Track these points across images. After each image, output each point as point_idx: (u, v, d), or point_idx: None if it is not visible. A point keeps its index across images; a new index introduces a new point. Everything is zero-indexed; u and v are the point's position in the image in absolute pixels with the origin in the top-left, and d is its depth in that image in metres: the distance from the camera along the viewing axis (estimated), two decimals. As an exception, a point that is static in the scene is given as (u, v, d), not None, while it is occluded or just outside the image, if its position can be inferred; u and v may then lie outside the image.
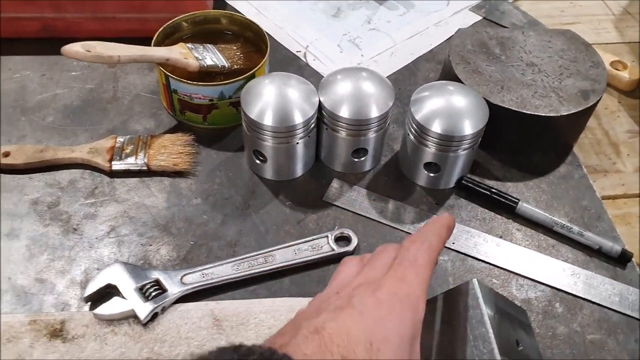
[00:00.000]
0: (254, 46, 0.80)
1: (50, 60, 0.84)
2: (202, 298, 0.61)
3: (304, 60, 0.87)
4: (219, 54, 0.77)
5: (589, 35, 0.92)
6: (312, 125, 0.68)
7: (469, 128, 0.65)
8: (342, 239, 0.66)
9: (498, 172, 0.74)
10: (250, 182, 0.72)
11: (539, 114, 0.70)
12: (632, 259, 0.67)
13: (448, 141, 0.66)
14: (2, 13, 0.82)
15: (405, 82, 0.85)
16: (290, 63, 0.86)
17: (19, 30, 0.84)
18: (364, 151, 0.71)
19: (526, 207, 0.69)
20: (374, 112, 0.66)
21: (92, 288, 0.60)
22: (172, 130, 0.76)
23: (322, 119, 0.69)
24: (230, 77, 0.72)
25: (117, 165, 0.71)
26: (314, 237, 0.66)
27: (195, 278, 0.62)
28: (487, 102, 0.70)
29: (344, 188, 0.71)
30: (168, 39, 0.78)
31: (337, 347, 0.41)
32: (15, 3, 0.81)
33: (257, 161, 0.71)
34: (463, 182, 0.71)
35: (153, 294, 0.60)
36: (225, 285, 0.62)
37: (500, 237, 0.68)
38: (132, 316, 0.59)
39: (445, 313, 0.54)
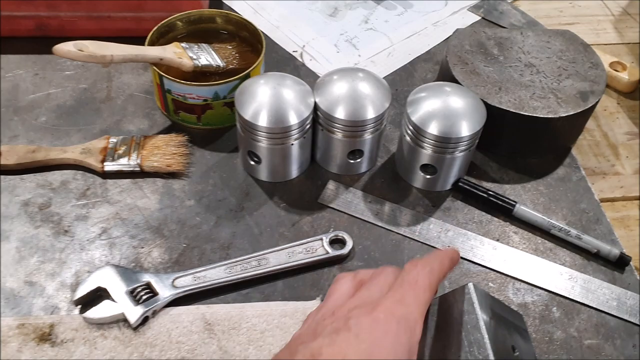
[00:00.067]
0: (250, 46, 0.79)
1: (44, 59, 0.83)
2: (193, 301, 0.60)
3: (301, 60, 0.86)
4: (214, 54, 0.76)
5: (588, 36, 0.92)
6: (308, 126, 0.67)
7: (466, 130, 0.65)
8: (337, 242, 0.66)
9: (495, 174, 0.73)
10: (245, 183, 0.71)
11: (537, 115, 0.69)
12: (631, 262, 0.66)
13: (445, 143, 0.65)
14: (-3, 12, 0.81)
15: (402, 83, 0.84)
16: (287, 63, 0.85)
17: (14, 29, 0.83)
18: (360, 153, 0.70)
19: (523, 209, 0.68)
20: (370, 113, 0.66)
21: (82, 291, 0.59)
22: (166, 131, 0.75)
23: (318, 120, 0.68)
24: (225, 77, 0.71)
25: (109, 166, 0.70)
26: (309, 239, 0.65)
27: (187, 281, 0.61)
28: (485, 103, 0.69)
29: (340, 190, 0.70)
30: (163, 38, 0.77)
31: None
32: (10, 2, 0.81)
33: (252, 162, 0.70)
34: (460, 184, 0.70)
35: (144, 297, 0.59)
36: (218, 289, 0.61)
37: (497, 240, 0.67)
38: (122, 320, 0.58)
39: (440, 318, 0.53)
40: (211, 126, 0.75)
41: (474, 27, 0.90)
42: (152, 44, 0.75)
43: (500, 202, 0.69)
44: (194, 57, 0.74)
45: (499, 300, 0.56)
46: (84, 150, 0.71)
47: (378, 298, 0.46)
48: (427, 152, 0.67)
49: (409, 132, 0.67)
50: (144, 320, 0.58)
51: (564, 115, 0.70)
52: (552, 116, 0.70)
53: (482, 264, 0.65)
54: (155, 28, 0.75)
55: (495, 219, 0.69)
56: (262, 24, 0.90)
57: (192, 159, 0.73)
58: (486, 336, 0.49)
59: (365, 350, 0.42)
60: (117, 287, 0.59)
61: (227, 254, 0.64)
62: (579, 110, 0.70)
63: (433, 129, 0.64)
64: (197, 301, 0.61)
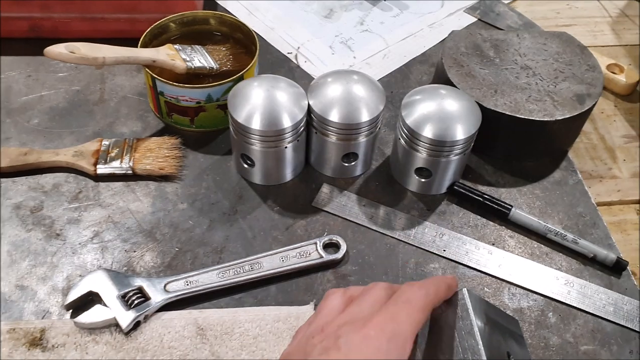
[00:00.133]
0: (244, 47, 0.79)
1: (37, 60, 0.82)
2: (186, 306, 0.60)
3: (295, 62, 0.85)
4: (208, 56, 0.75)
5: (585, 38, 0.91)
6: (301, 129, 0.67)
7: (460, 133, 0.64)
8: (331, 246, 0.65)
9: (491, 178, 0.73)
10: (238, 186, 0.70)
11: (533, 118, 0.69)
12: (628, 267, 0.65)
13: (439, 146, 0.65)
14: (-11, 13, 0.81)
15: (397, 85, 0.83)
16: (281, 65, 0.85)
17: (7, 30, 0.83)
18: (355, 156, 0.69)
19: (519, 213, 0.68)
20: (365, 116, 0.65)
21: (73, 295, 0.59)
22: (159, 133, 0.75)
23: (312, 123, 0.67)
24: (219, 79, 0.71)
25: (102, 169, 0.69)
26: (302, 243, 0.64)
27: (179, 286, 0.60)
28: (480, 106, 0.68)
29: (334, 193, 0.70)
30: (156, 40, 0.77)
31: None
32: (3, 3, 0.80)
33: (245, 165, 0.69)
34: (455, 187, 0.69)
35: (136, 302, 0.58)
36: (210, 293, 0.61)
37: (493, 244, 0.67)
38: (114, 325, 0.58)
39: (433, 324, 0.52)
40: (204, 129, 0.75)
41: (470, 29, 0.89)
42: (145, 45, 0.74)
43: (496, 206, 0.68)
44: (187, 59, 0.73)
45: (493, 306, 0.56)
46: (77, 153, 0.70)
47: (369, 314, 0.45)
48: (421, 156, 0.66)
49: (403, 135, 0.66)
50: (136, 325, 0.58)
51: (560, 118, 0.69)
52: (548, 119, 0.69)
53: (478, 268, 0.65)
54: (149, 30, 0.75)
55: (491, 222, 0.69)
56: (256, 25, 0.89)
57: (185, 162, 0.72)
58: (480, 342, 0.49)
59: None
60: (108, 291, 0.59)
61: (220, 258, 0.64)
62: (575, 114, 0.70)
63: (428, 132, 0.64)
64: (190, 306, 0.60)
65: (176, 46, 0.74)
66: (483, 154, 0.74)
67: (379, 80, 0.83)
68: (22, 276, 0.62)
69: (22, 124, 0.75)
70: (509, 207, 0.68)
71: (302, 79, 0.83)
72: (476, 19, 0.94)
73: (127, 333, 0.57)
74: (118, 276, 0.60)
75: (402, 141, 0.67)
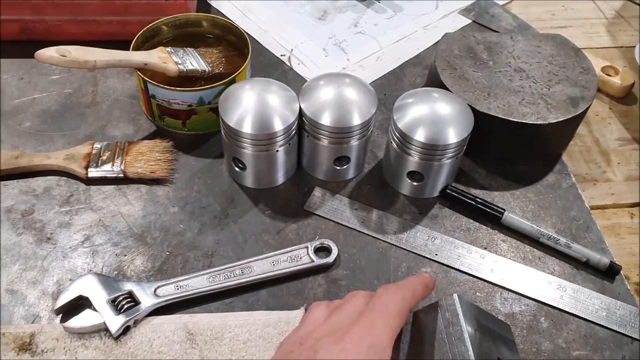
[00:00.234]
0: (237, 50, 0.78)
1: (29, 63, 0.82)
2: (176, 311, 0.60)
3: (288, 64, 0.85)
4: (200, 58, 0.75)
5: (580, 40, 0.91)
6: (293, 133, 0.66)
7: (453, 136, 0.64)
8: (322, 250, 0.65)
9: (484, 181, 0.72)
10: (230, 189, 0.70)
11: (526, 121, 0.69)
12: (621, 272, 0.65)
13: (432, 150, 0.64)
14: (-20, 16, 0.80)
15: (391, 88, 0.83)
16: (274, 67, 0.85)
17: (-2, 32, 0.83)
18: (347, 159, 0.69)
19: (512, 217, 0.67)
20: (356, 120, 0.65)
21: (63, 300, 0.59)
22: (151, 136, 0.74)
23: (303, 126, 0.67)
24: (211, 82, 0.71)
25: (93, 173, 0.69)
26: (293, 248, 0.64)
27: (169, 290, 0.60)
28: (473, 109, 0.68)
29: (326, 197, 0.69)
30: (148, 43, 0.76)
31: None
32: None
33: (237, 169, 0.69)
34: (447, 191, 0.69)
35: (125, 306, 0.58)
36: (201, 298, 0.60)
37: (485, 248, 0.66)
38: (103, 329, 0.58)
39: (416, 328, 0.52)
40: (196, 132, 0.74)
41: (464, 31, 0.89)
42: (137, 48, 0.74)
43: (489, 210, 0.68)
44: (179, 61, 0.73)
45: (485, 311, 0.56)
46: (68, 156, 0.70)
47: (347, 325, 0.45)
48: (414, 159, 0.66)
49: (395, 138, 0.66)
50: (125, 329, 0.58)
51: (554, 121, 0.69)
52: (542, 122, 0.69)
53: (470, 272, 0.64)
54: (141, 32, 0.75)
55: (484, 226, 0.68)
56: (250, 27, 0.89)
57: (176, 165, 0.72)
58: (470, 348, 0.48)
59: None
60: (98, 296, 0.59)
61: (211, 262, 0.64)
62: (569, 117, 0.70)
63: (420, 135, 0.64)
64: (180, 310, 0.60)
65: (168, 49, 0.74)
66: (476, 157, 0.74)
67: (373, 82, 0.83)
68: (12, 280, 0.61)
69: (13, 127, 0.75)
70: (502, 210, 0.68)
71: (295, 81, 0.82)
72: (471, 21, 0.93)
73: (117, 338, 0.57)
74: (108, 280, 0.60)
75: (394, 145, 0.67)
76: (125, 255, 0.64)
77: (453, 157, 0.66)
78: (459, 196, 0.69)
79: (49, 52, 0.65)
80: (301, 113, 0.66)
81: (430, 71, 0.78)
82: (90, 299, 0.58)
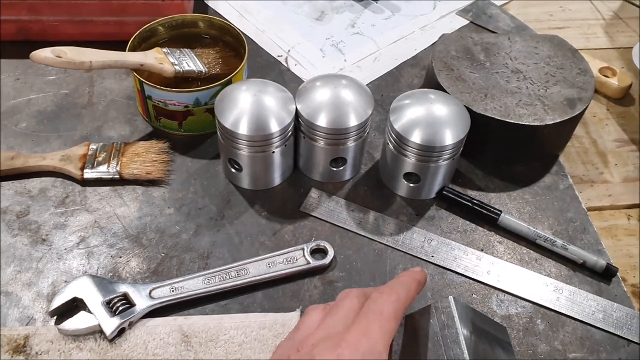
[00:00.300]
0: (233, 50, 0.78)
1: (26, 64, 0.82)
2: (171, 313, 0.59)
3: (285, 65, 0.85)
4: (196, 59, 0.75)
5: (578, 41, 0.91)
6: (289, 134, 0.66)
7: (449, 138, 0.63)
8: (318, 251, 0.65)
9: (480, 182, 0.72)
10: (226, 191, 0.70)
11: (523, 123, 0.68)
12: (617, 274, 0.65)
13: (428, 151, 0.64)
14: (-24, 16, 0.80)
15: (388, 88, 0.83)
16: (271, 68, 0.84)
17: (-6, 33, 0.82)
18: (343, 160, 0.69)
19: (508, 219, 0.67)
20: (353, 121, 0.65)
21: (58, 302, 0.58)
22: (147, 137, 0.74)
23: (300, 128, 0.67)
24: (208, 83, 0.70)
25: (89, 174, 0.69)
26: (289, 249, 0.64)
27: (164, 292, 0.60)
28: (470, 110, 0.68)
29: (322, 198, 0.69)
30: (145, 43, 0.76)
31: None
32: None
33: (233, 170, 0.69)
34: (444, 192, 0.69)
35: (120, 308, 0.58)
36: (196, 300, 0.60)
37: (481, 250, 0.66)
38: (98, 331, 0.57)
39: (419, 331, 0.52)
40: (193, 132, 0.74)
41: (461, 32, 0.89)
42: (133, 49, 0.74)
43: (485, 211, 0.68)
44: (176, 62, 0.73)
45: (481, 313, 0.55)
46: (64, 157, 0.70)
47: (342, 329, 0.45)
48: (410, 161, 0.66)
49: (392, 140, 0.66)
50: (120, 331, 0.57)
51: (550, 123, 0.69)
52: (538, 124, 0.68)
53: (466, 274, 0.64)
54: (137, 33, 0.74)
55: (480, 228, 0.68)
56: (247, 28, 0.89)
57: (173, 166, 0.72)
58: (466, 351, 0.48)
59: None
60: (93, 297, 0.58)
61: (207, 264, 0.63)
62: (566, 118, 0.69)
63: (416, 137, 0.63)
64: (175, 312, 0.60)
65: (165, 50, 0.74)
66: (473, 159, 0.74)
67: (370, 83, 0.83)
68: (7, 282, 0.61)
69: (9, 128, 0.74)
70: (498, 212, 0.68)
71: (292, 82, 0.82)
72: (468, 22, 0.93)
73: (112, 340, 0.57)
74: (103, 282, 0.60)
75: (391, 146, 0.66)
76: (120, 257, 0.64)
77: (449, 159, 0.66)
78: (456, 198, 0.69)
79: (44, 53, 0.65)
80: (297, 114, 0.65)
81: (427, 72, 0.78)
82: (85, 300, 0.58)
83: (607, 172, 0.76)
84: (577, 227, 0.69)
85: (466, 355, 0.48)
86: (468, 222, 0.68)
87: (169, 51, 0.74)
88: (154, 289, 0.60)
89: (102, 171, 0.69)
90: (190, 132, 0.74)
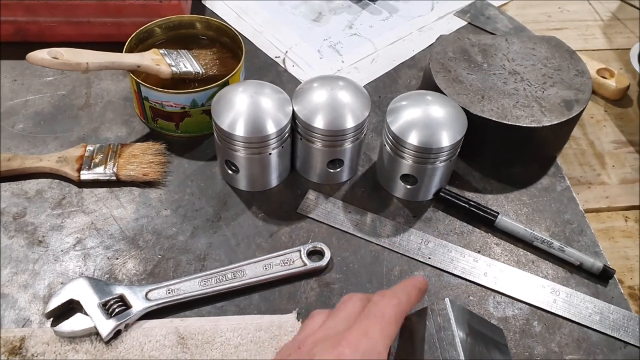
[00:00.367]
0: (231, 52, 0.78)
1: (23, 65, 0.82)
2: (167, 315, 0.59)
3: (283, 66, 0.85)
4: (193, 60, 0.75)
5: (576, 42, 0.91)
6: (286, 136, 0.66)
7: (446, 140, 0.63)
8: (315, 253, 0.64)
9: (478, 184, 0.72)
10: (223, 192, 0.70)
11: (520, 124, 0.68)
12: (615, 275, 0.64)
13: (425, 153, 0.64)
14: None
15: (386, 90, 0.82)
16: (269, 69, 0.84)
17: (-8, 34, 0.82)
18: (340, 162, 0.69)
19: (506, 220, 0.67)
20: (350, 123, 0.64)
21: (54, 304, 0.58)
22: (144, 138, 0.74)
23: (297, 129, 0.67)
24: (205, 84, 0.70)
25: (85, 175, 0.69)
26: (286, 251, 0.64)
27: (161, 294, 0.60)
28: (467, 112, 0.68)
29: (320, 200, 0.69)
30: (142, 45, 0.76)
31: None
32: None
33: (230, 171, 0.69)
34: (441, 194, 0.69)
35: (116, 310, 0.58)
36: (192, 302, 0.60)
37: (478, 251, 0.66)
38: (94, 333, 0.57)
39: (416, 333, 0.52)
40: (190, 134, 0.74)
41: (459, 34, 0.89)
42: (130, 50, 0.74)
43: (482, 213, 0.68)
44: (172, 63, 0.73)
45: (477, 315, 0.55)
46: (60, 159, 0.70)
47: (343, 330, 0.45)
48: (407, 163, 0.65)
49: (389, 141, 0.66)
50: (116, 333, 0.57)
51: (548, 124, 0.69)
52: (536, 125, 0.68)
53: (463, 276, 0.64)
54: (134, 34, 0.74)
55: (477, 230, 0.68)
56: (245, 29, 0.89)
57: (169, 168, 0.71)
58: (462, 354, 0.48)
59: None
60: (89, 299, 0.58)
61: (203, 266, 0.63)
62: (563, 120, 0.69)
63: (413, 139, 0.63)
64: (171, 314, 0.60)
65: (161, 51, 0.74)
66: (470, 160, 0.74)
67: (367, 84, 0.82)
68: (3, 283, 0.61)
69: (6, 129, 0.74)
70: (496, 214, 0.67)
71: (290, 83, 0.82)
72: (466, 23, 0.93)
73: (108, 342, 0.57)
74: (99, 284, 0.60)
75: (388, 148, 0.66)
76: (117, 259, 0.64)
77: (446, 160, 0.66)
78: (453, 199, 0.69)
79: (40, 54, 0.64)
80: (294, 116, 0.65)
81: (424, 74, 0.78)
82: (81, 302, 0.58)
83: (604, 174, 0.76)
84: (574, 229, 0.69)
85: (462, 357, 0.48)
86: (465, 224, 0.68)
87: (166, 52, 0.74)
88: (150, 290, 0.60)
89: (98, 173, 0.69)
90: (187, 133, 0.74)
